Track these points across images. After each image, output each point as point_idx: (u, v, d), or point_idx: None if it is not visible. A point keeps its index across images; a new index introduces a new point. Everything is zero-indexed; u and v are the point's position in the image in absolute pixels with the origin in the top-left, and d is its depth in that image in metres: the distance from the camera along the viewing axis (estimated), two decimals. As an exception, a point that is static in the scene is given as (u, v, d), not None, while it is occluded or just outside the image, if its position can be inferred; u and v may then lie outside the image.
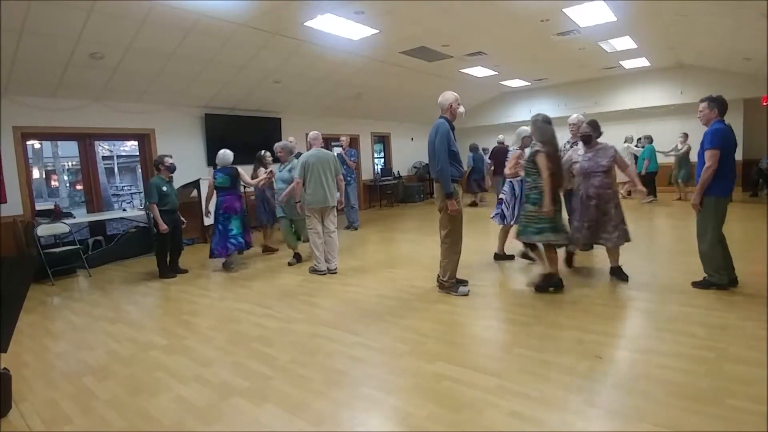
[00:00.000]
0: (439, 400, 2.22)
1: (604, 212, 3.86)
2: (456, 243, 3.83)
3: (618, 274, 3.96)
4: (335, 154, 5.36)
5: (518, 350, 2.75)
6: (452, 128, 3.74)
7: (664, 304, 3.39)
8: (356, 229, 7.90)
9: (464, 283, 3.96)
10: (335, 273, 4.92)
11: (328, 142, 10.78)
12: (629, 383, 2.26)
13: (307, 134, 9.98)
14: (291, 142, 6.67)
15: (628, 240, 3.91)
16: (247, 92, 7.84)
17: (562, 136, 4.98)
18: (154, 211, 4.94)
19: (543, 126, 3.69)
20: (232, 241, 5.30)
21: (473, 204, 10.25)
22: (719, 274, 3.53)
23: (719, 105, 3.44)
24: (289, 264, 5.50)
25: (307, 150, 5.03)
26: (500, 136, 9.77)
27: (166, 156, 5.25)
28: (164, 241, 5.14)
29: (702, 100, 3.55)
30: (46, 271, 5.20)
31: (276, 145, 5.75)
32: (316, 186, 4.81)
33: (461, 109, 3.80)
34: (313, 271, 4.95)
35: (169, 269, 5.24)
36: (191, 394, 2.43)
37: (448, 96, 3.77)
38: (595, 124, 4.03)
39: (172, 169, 5.23)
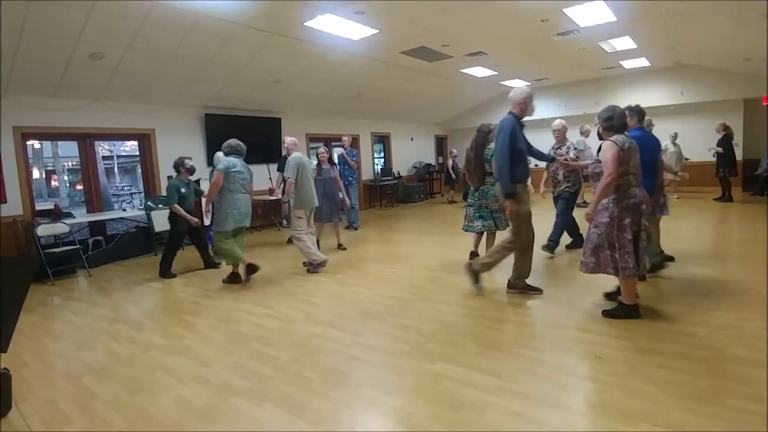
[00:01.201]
0: (439, 400, 2.22)
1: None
2: (526, 246, 3.64)
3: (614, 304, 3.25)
4: (338, 154, 5.43)
5: (518, 350, 2.75)
6: (521, 125, 3.53)
7: (663, 304, 3.38)
8: (356, 229, 7.90)
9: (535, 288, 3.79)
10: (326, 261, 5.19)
11: (329, 142, 10.79)
12: (629, 383, 2.25)
13: (306, 134, 10.09)
14: (285, 144, 6.59)
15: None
16: (247, 92, 7.84)
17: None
18: (179, 210, 5.10)
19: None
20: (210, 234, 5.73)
21: (451, 201, 10.47)
22: None
23: (638, 113, 3.77)
24: (224, 282, 4.80)
25: (288, 154, 5.25)
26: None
27: (186, 158, 5.39)
28: (177, 241, 5.30)
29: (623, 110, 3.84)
30: (46, 271, 5.19)
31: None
32: (308, 187, 5.06)
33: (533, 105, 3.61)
34: (311, 267, 5.01)
35: (170, 270, 5.25)
36: (191, 394, 2.43)
37: (523, 91, 3.53)
38: (604, 113, 3.11)
39: (192, 171, 5.43)
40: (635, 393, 2.15)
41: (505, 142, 3.40)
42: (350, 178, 7.80)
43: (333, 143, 10.93)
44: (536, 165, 5.73)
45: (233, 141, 4.74)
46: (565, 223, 5.04)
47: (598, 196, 2.97)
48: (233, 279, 4.74)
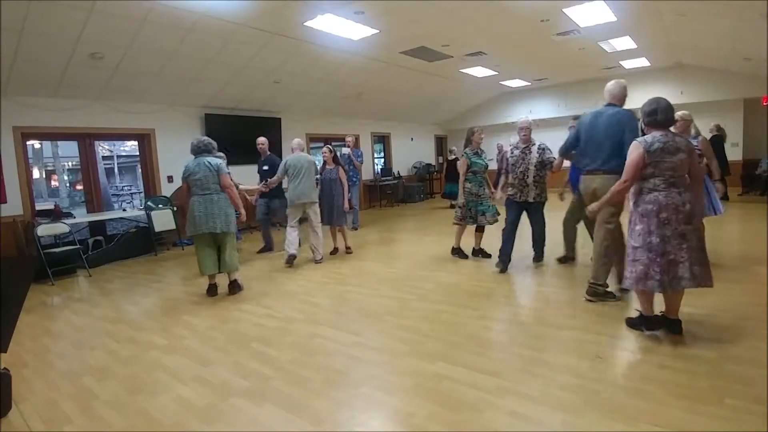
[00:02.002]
0: (439, 400, 2.22)
1: None
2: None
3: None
4: (341, 154, 5.49)
5: (518, 350, 2.75)
6: None
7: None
8: (356, 229, 7.89)
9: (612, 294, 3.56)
10: (321, 262, 5.41)
11: (329, 142, 10.80)
12: (629, 383, 2.26)
13: (306, 134, 10.11)
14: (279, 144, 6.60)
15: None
16: (247, 92, 7.84)
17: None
18: None
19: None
20: None
21: (452, 206, 10.43)
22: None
23: None
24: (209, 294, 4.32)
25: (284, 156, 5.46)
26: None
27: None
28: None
29: (574, 118, 4.36)
30: (46, 271, 5.19)
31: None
32: (296, 185, 5.21)
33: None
34: (289, 259, 5.27)
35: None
36: (191, 394, 2.43)
37: (622, 85, 3.52)
38: (647, 107, 2.81)
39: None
40: (635, 393, 2.16)
41: (633, 137, 3.00)
42: (354, 179, 7.77)
43: (334, 143, 10.93)
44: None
45: (194, 139, 4.40)
46: (544, 231, 4.66)
47: (606, 198, 2.85)
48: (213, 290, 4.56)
